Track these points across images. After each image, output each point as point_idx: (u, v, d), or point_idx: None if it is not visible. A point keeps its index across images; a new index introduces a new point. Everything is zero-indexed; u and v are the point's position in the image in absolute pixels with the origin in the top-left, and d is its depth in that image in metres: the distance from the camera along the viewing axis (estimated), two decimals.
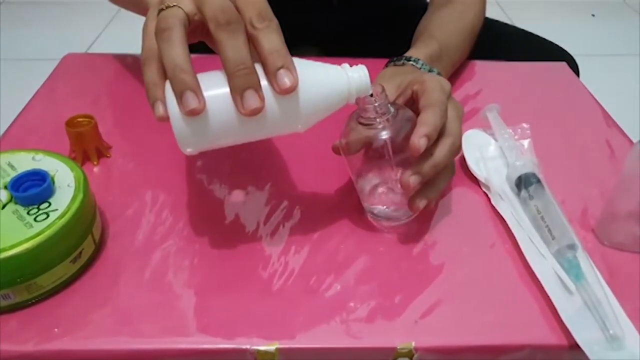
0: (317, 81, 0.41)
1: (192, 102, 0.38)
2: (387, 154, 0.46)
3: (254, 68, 0.39)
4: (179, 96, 0.38)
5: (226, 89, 0.39)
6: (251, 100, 0.38)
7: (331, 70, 0.43)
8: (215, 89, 0.39)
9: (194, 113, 0.38)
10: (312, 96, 0.41)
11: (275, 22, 0.40)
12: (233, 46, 0.39)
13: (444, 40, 0.68)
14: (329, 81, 0.42)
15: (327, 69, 0.42)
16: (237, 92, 0.39)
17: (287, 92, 0.39)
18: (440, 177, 0.48)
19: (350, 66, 0.43)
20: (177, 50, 0.39)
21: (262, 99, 0.39)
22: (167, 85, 0.39)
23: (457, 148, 0.48)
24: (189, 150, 0.41)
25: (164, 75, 0.40)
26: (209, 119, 0.39)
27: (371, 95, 0.44)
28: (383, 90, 0.45)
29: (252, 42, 0.40)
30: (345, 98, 0.43)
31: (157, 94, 0.40)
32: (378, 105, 0.45)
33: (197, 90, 0.38)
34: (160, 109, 0.40)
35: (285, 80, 0.39)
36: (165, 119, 0.40)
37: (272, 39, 0.40)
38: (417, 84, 0.49)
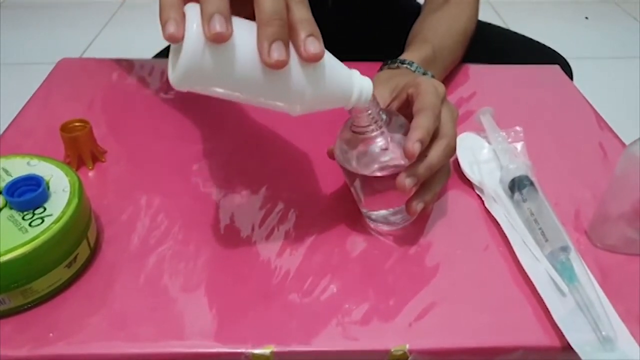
0: (334, 70, 0.42)
1: (219, 26, 0.35)
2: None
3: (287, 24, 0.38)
4: (207, 18, 0.35)
5: (253, 34, 0.38)
6: (278, 51, 0.37)
7: (345, 68, 0.43)
8: (242, 29, 0.38)
9: (219, 38, 0.36)
10: (326, 80, 0.41)
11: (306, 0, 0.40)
12: None
13: (438, 43, 0.68)
14: (342, 76, 0.42)
15: (342, 66, 0.43)
16: (266, 40, 0.37)
17: (313, 59, 0.39)
18: (436, 179, 0.48)
19: None
20: None
21: (288, 55, 0.38)
22: (189, 7, 0.37)
23: (452, 149, 0.49)
24: (184, 86, 0.38)
25: (184, 3, 0.38)
26: (226, 55, 0.37)
27: None
28: (374, 98, 0.45)
29: None
30: (349, 99, 0.43)
31: (171, 14, 0.36)
32: (370, 113, 0.45)
33: (228, 18, 0.36)
34: (172, 26, 0.36)
35: (311, 48, 0.38)
36: (176, 37, 0.36)
37: (303, 10, 0.39)
38: (412, 87, 0.49)
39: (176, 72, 0.37)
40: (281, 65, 0.37)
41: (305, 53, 0.38)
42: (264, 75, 0.38)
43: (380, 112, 0.46)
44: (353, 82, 0.43)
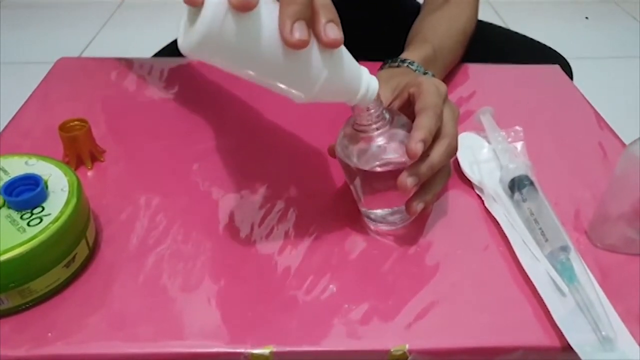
0: (347, 61, 0.42)
1: None
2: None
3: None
4: None
5: (276, 12, 0.37)
6: (300, 30, 0.37)
7: (357, 63, 0.43)
8: (264, 4, 0.37)
9: (244, 5, 0.34)
10: (339, 69, 0.41)
11: None
12: None
13: (438, 43, 0.68)
14: (354, 69, 0.43)
15: (354, 60, 0.43)
16: (289, 18, 0.36)
17: (332, 45, 0.39)
18: (436, 179, 0.48)
19: None
20: None
21: (309, 36, 0.37)
22: None
23: (453, 149, 0.49)
24: (196, 54, 0.36)
25: None
26: (246, 27, 0.36)
27: None
28: (378, 97, 0.45)
29: None
30: (356, 93, 0.43)
31: None
32: (373, 112, 0.45)
33: None
34: None
35: (331, 33, 0.38)
36: (196, 1, 0.34)
37: None
38: (413, 87, 0.49)
39: (191, 38, 0.35)
40: (302, 45, 0.37)
41: (325, 38, 0.38)
42: (280, 55, 0.37)
43: (384, 112, 0.46)
44: (362, 78, 0.43)
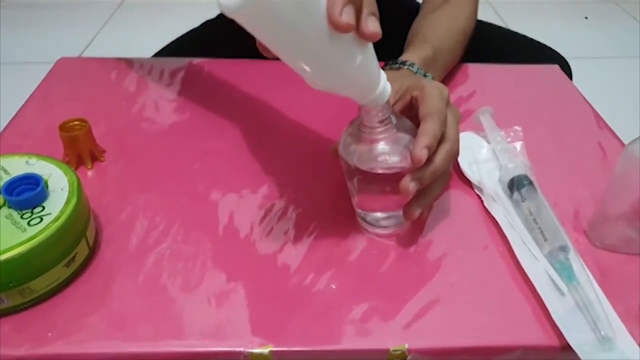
0: (374, 59, 0.42)
1: None
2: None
3: None
4: None
5: None
6: (349, 14, 0.37)
7: (378, 65, 0.44)
8: None
9: None
10: (367, 63, 0.41)
11: None
12: None
13: (438, 44, 0.68)
14: (376, 69, 0.43)
15: (377, 61, 0.43)
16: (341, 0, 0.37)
17: (371, 37, 0.39)
18: (435, 184, 0.48)
19: None
20: None
21: (354, 22, 0.38)
22: None
23: (455, 153, 0.49)
24: (238, 14, 0.35)
25: None
26: None
27: None
28: (388, 100, 0.45)
29: None
30: (373, 92, 0.43)
31: None
32: (381, 115, 0.45)
33: None
34: None
35: (371, 26, 0.39)
36: None
37: None
38: (416, 90, 0.49)
39: None
40: (347, 28, 0.37)
41: (365, 28, 0.39)
42: (322, 34, 0.37)
43: (391, 116, 0.46)
44: (381, 78, 0.43)
